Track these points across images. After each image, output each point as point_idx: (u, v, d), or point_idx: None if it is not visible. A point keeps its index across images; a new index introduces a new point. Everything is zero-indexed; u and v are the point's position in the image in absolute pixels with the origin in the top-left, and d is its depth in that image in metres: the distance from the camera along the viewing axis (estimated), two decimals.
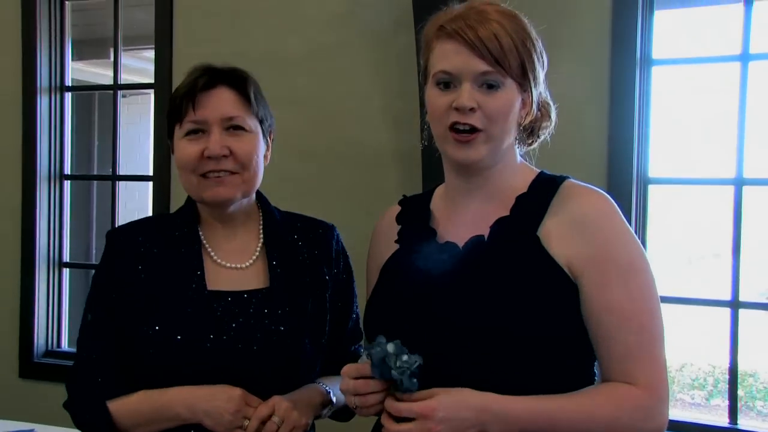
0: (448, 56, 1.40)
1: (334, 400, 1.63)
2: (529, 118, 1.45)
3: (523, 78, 1.40)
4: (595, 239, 1.36)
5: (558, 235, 1.38)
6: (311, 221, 1.74)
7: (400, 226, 1.57)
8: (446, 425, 1.27)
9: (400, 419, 1.30)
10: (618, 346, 1.34)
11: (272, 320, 1.57)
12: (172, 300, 1.56)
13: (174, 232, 1.64)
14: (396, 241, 1.56)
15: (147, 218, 1.76)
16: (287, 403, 1.52)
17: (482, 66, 1.37)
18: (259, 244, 1.66)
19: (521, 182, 1.46)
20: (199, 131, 1.57)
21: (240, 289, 1.60)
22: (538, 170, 1.51)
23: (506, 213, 1.43)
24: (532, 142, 1.54)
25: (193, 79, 1.59)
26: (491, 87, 1.38)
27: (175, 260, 1.60)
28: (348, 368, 1.37)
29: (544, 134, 1.54)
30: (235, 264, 1.63)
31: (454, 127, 1.39)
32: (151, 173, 3.47)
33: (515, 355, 1.33)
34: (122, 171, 3.77)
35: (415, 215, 1.56)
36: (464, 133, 1.39)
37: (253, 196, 1.68)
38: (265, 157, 1.65)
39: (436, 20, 1.45)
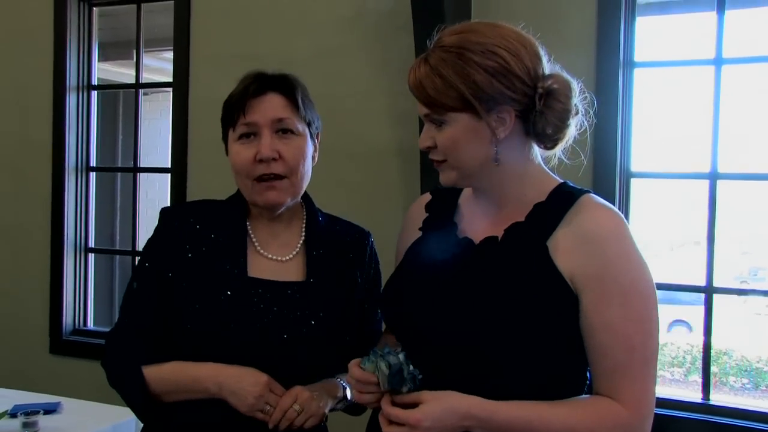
0: None
1: (349, 396, 1.61)
2: (504, 133, 1.34)
3: (469, 106, 1.32)
4: (598, 257, 1.30)
5: (564, 248, 1.33)
6: (350, 226, 1.73)
7: (427, 215, 1.55)
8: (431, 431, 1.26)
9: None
10: (608, 362, 1.30)
11: (304, 312, 1.56)
12: (213, 281, 1.55)
13: (223, 219, 1.64)
14: (420, 229, 1.53)
15: (200, 201, 1.71)
16: (308, 393, 1.52)
17: (423, 109, 1.37)
18: (301, 241, 1.65)
19: (536, 191, 1.40)
20: (250, 134, 1.57)
21: (278, 279, 1.59)
22: (561, 180, 1.44)
23: (523, 219, 1.38)
24: (559, 134, 1.40)
25: (245, 86, 1.58)
26: (439, 124, 1.36)
27: (221, 245, 1.59)
28: (352, 369, 1.36)
29: (569, 121, 1.41)
30: (276, 256, 1.62)
31: None
32: (169, 165, 3.48)
33: (507, 355, 1.31)
34: (143, 163, 3.79)
35: (443, 207, 1.54)
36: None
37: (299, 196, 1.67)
38: (313, 157, 1.64)
39: None
